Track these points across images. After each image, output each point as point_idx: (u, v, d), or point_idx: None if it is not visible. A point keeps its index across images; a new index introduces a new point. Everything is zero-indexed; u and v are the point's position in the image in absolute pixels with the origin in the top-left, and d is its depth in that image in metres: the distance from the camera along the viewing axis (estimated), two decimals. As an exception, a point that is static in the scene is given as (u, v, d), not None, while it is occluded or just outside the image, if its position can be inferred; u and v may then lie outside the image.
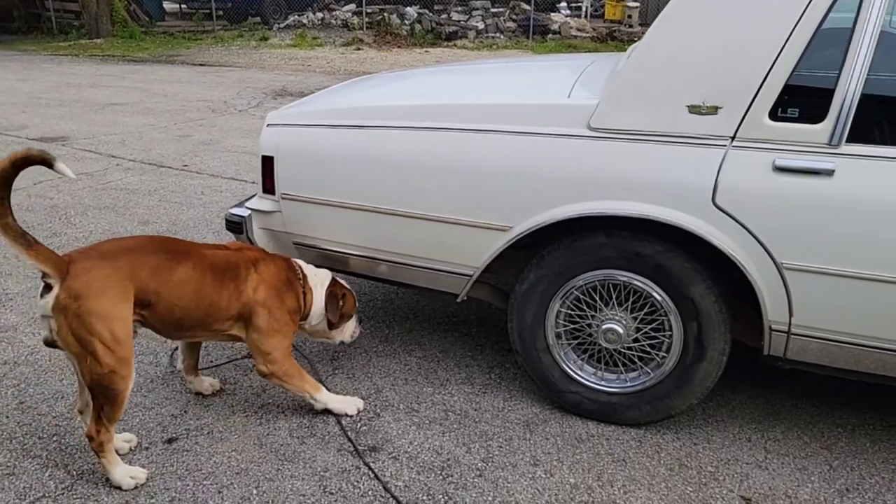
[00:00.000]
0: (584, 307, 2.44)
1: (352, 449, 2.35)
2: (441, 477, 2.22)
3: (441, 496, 2.14)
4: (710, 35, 2.09)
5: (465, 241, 2.47)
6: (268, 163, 2.67)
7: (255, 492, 2.15)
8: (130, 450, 2.31)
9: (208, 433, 2.41)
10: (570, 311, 2.47)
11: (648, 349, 2.41)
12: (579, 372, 2.52)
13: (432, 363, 2.85)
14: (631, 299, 2.37)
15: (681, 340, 2.33)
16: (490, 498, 2.14)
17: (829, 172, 2.01)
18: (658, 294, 2.31)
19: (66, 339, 1.96)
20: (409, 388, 2.66)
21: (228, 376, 2.76)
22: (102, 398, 2.01)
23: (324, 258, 2.74)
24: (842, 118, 1.99)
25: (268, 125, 2.71)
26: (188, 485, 2.16)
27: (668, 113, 2.15)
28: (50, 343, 2.02)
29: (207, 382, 2.62)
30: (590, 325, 2.46)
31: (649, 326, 2.38)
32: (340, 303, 2.55)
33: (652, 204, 2.18)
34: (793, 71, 2.01)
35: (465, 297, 2.59)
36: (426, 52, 14.48)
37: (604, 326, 2.42)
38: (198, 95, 9.37)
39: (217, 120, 7.79)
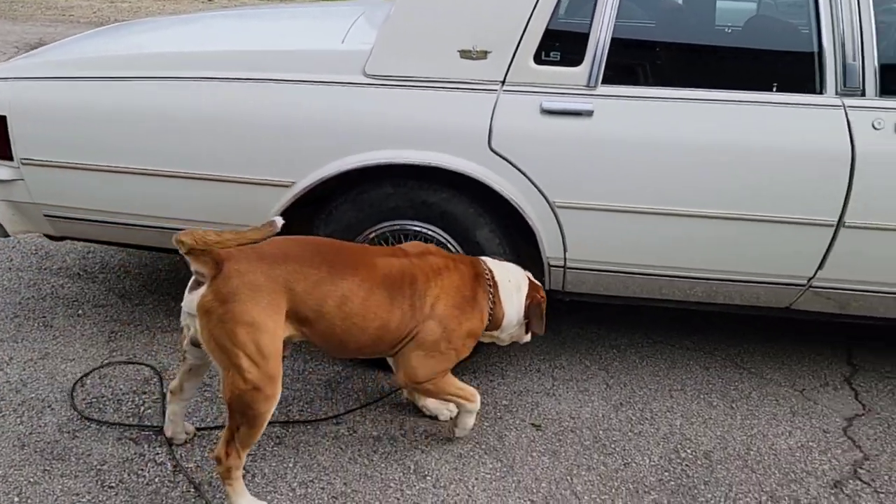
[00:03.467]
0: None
1: (133, 437, 2.14)
2: (238, 450, 2.11)
3: (238, 470, 2.03)
4: (474, -22, 2.10)
5: (247, 201, 2.32)
6: (0, 123, 2.28)
7: (16, 499, 1.88)
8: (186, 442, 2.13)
9: (-48, 443, 2.07)
10: (363, 265, 2.44)
11: (442, 295, 2.45)
12: (378, 325, 2.50)
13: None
14: (421, 248, 2.38)
15: (471, 284, 2.39)
16: (291, 464, 2.08)
17: (589, 113, 2.14)
18: (447, 241, 2.34)
19: (209, 345, 1.78)
20: (199, 362, 2.48)
21: (-22, 375, 2.38)
22: (241, 417, 1.79)
23: (81, 231, 2.43)
24: (597, 61, 2.11)
25: (-4, 79, 2.31)
26: (-74, 507, 1.84)
27: (441, 58, 2.15)
28: (196, 343, 1.84)
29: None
30: (384, 278, 2.44)
31: (441, 273, 2.41)
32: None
33: (432, 151, 2.18)
34: (552, 15, 2.09)
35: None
36: (210, 0, 13.43)
37: (397, 277, 2.41)
38: (-73, 50, 7.88)
39: (-46, 78, 6.61)
